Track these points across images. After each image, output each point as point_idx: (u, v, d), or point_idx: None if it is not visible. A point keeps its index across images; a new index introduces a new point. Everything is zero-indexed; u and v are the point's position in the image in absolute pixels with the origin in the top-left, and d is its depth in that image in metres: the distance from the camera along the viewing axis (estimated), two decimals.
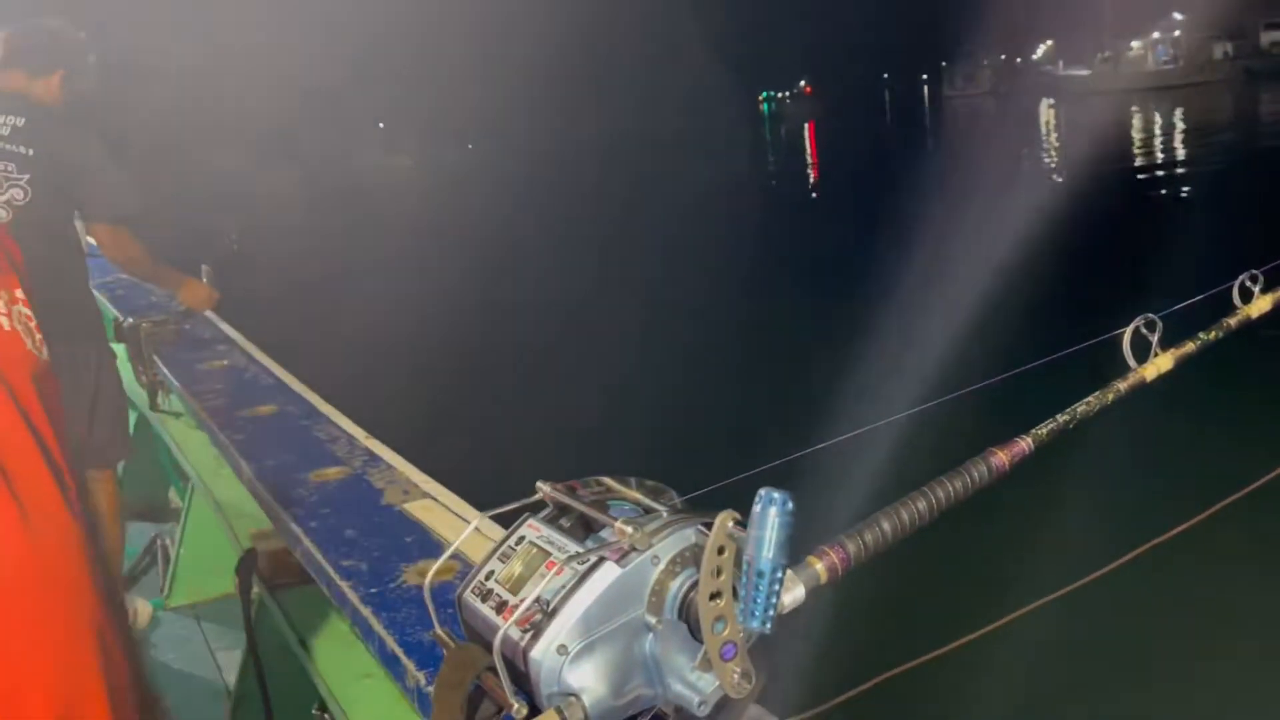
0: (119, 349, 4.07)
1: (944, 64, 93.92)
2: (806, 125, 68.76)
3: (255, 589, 2.32)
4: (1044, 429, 1.17)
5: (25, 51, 3.13)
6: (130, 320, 3.84)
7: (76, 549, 0.89)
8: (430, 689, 1.32)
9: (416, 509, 1.96)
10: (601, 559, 0.85)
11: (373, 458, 2.33)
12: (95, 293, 4.66)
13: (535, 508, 0.97)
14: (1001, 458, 1.11)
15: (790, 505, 0.80)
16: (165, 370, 3.55)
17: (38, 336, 0.96)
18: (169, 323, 3.85)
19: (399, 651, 1.43)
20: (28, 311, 0.97)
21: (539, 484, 0.97)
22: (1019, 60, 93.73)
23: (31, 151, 3.00)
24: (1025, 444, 1.15)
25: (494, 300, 14.12)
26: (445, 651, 0.92)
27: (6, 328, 0.93)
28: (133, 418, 4.55)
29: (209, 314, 3.96)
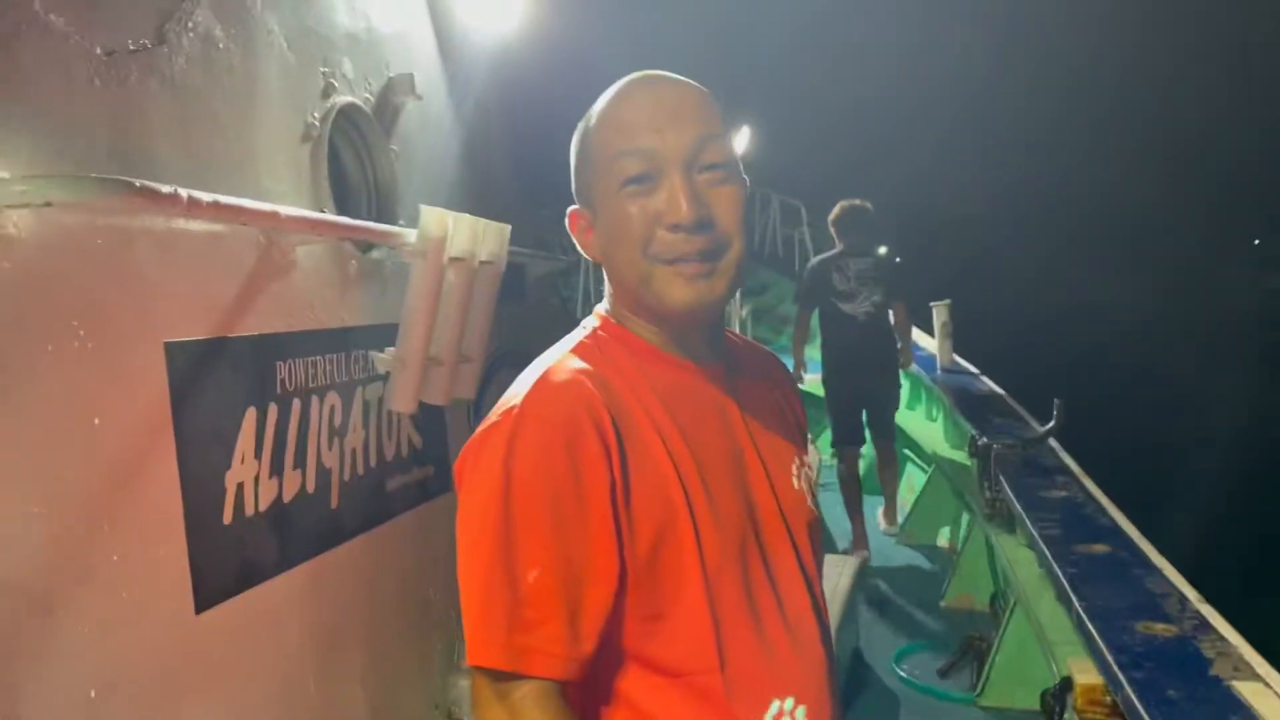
0: (970, 462, 4.60)
1: None
2: None
3: (1066, 713, 2.49)
4: None
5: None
6: (984, 440, 4.33)
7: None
8: None
9: (1247, 690, 1.94)
10: None
11: (1204, 623, 2.33)
12: (956, 412, 5.34)
13: None
14: None
15: None
16: (1007, 488, 3.91)
17: (814, 492, 1.25)
18: (1016, 447, 4.23)
19: None
20: (812, 475, 1.26)
21: None
22: None
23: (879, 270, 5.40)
24: None
25: None
26: None
27: (796, 487, 1.21)
28: (966, 520, 5.07)
29: (1053, 444, 4.25)
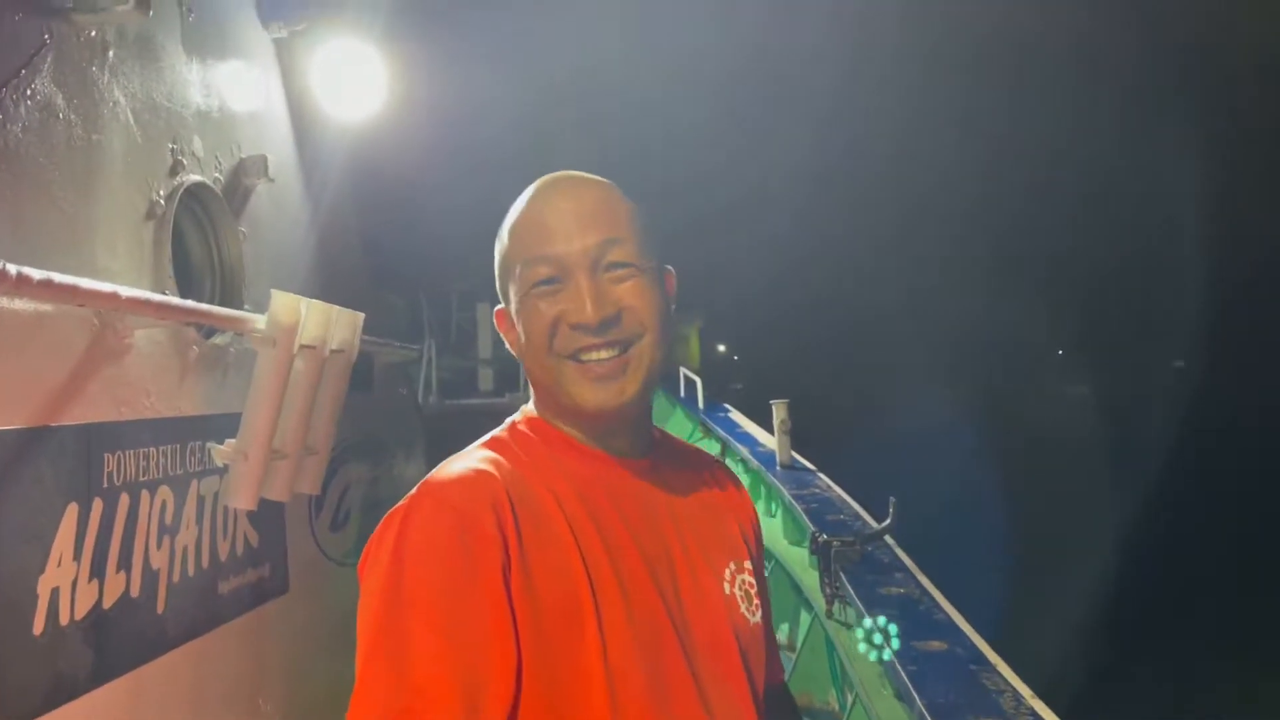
0: (810, 558, 4.69)
1: None
2: None
3: None
4: None
5: None
6: (824, 536, 4.43)
7: None
8: None
9: None
10: None
11: (1037, 719, 2.42)
12: (795, 504, 5.46)
13: None
14: None
15: None
16: (847, 586, 4.00)
17: (755, 603, 1.20)
18: (855, 543, 4.35)
19: None
20: (750, 580, 1.22)
21: None
22: None
23: None
24: None
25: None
26: None
27: (727, 592, 1.16)
28: (808, 619, 5.15)
29: (890, 541, 4.39)
